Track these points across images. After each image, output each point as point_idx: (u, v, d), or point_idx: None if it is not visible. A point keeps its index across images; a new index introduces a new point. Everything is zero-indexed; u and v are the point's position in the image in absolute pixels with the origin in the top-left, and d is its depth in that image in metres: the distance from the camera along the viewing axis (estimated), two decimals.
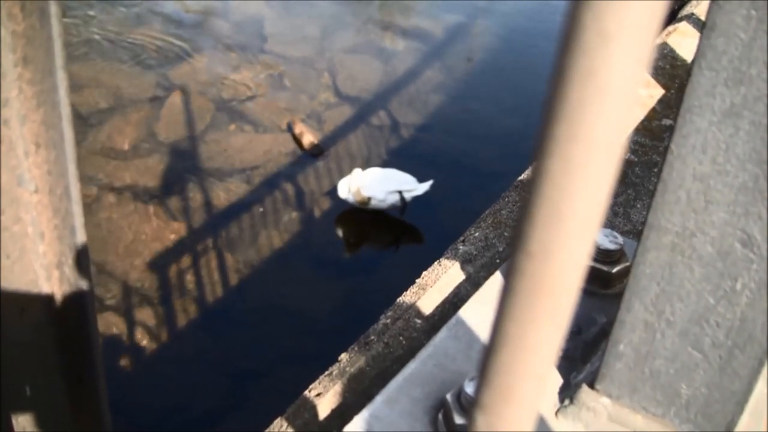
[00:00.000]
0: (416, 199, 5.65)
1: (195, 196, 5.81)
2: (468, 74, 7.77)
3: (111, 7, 8.27)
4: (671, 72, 3.81)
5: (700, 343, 1.23)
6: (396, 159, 6.30)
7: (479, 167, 6.32)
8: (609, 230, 1.32)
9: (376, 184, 5.56)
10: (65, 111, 0.65)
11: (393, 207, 5.67)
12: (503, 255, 1.74)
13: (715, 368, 1.26)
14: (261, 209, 5.74)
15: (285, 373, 4.54)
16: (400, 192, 5.58)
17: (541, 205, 0.41)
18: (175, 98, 6.87)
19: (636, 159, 2.29)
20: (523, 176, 2.27)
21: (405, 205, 5.66)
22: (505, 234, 1.84)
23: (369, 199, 5.53)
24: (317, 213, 5.78)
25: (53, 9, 0.61)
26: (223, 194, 5.85)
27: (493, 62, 7.99)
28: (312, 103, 6.97)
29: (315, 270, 5.33)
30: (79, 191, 0.68)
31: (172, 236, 5.44)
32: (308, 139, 6.35)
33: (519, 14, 9.02)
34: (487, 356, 0.46)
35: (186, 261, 5.29)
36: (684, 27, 3.73)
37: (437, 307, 1.61)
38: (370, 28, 8.47)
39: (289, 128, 6.53)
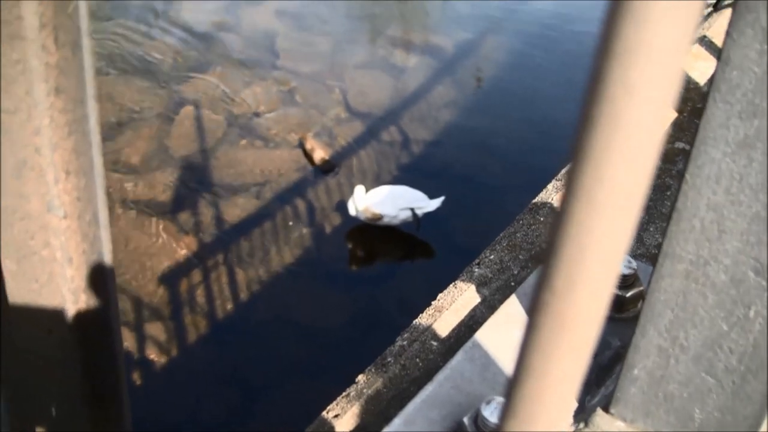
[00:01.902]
0: (427, 215, 5.66)
1: (206, 210, 5.83)
2: (478, 90, 7.79)
3: (124, 22, 8.33)
4: (684, 95, 3.81)
5: (714, 368, 1.23)
6: (407, 175, 6.32)
7: (490, 183, 6.33)
8: (627, 257, 1.33)
9: (388, 202, 5.57)
10: (95, 139, 0.66)
11: (405, 222, 5.68)
12: (518, 278, 1.75)
13: (728, 393, 1.26)
14: (290, 223, 5.75)
15: (295, 388, 4.54)
16: (412, 209, 5.60)
17: (566, 244, 0.42)
18: (187, 113, 6.91)
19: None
20: (537, 199, 2.28)
21: (419, 221, 5.67)
22: (520, 257, 1.85)
23: (381, 216, 5.55)
24: (328, 228, 5.79)
25: (85, 42, 0.62)
26: (234, 209, 5.87)
27: (503, 79, 8.00)
28: (323, 119, 7.00)
29: (325, 285, 5.34)
30: (108, 217, 0.69)
31: (183, 251, 5.46)
32: (319, 154, 6.37)
33: (529, 32, 9.04)
34: (512, 387, 0.47)
35: (196, 275, 5.31)
36: (696, 49, 3.75)
37: (453, 329, 1.62)
38: (381, 44, 8.50)
39: (301, 144, 6.56)
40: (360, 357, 4.76)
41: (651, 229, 1.98)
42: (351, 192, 5.86)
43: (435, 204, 5.65)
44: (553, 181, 2.39)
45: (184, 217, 5.76)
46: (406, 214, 5.62)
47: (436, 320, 1.63)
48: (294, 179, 6.24)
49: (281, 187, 6.15)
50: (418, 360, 1.53)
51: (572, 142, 0.39)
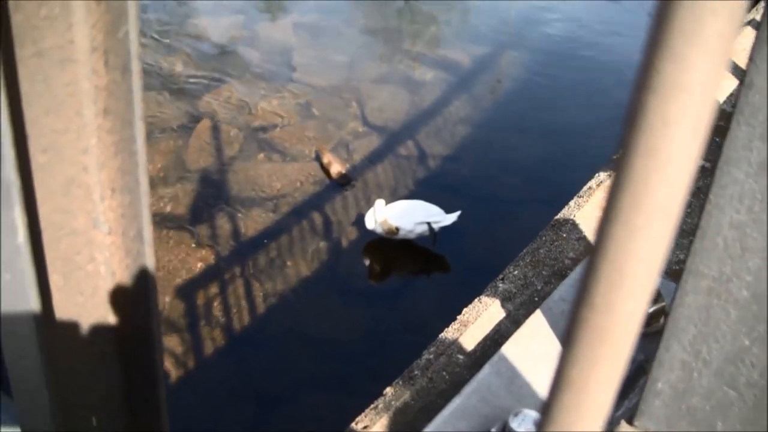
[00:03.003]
0: (444, 229, 5.68)
1: (223, 224, 5.86)
2: (495, 104, 7.81)
3: (142, 36, 8.40)
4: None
5: (736, 381, 1.24)
6: (423, 189, 6.34)
7: (506, 198, 6.34)
8: None
9: (405, 216, 5.60)
10: (141, 159, 0.69)
11: (421, 236, 5.70)
12: (542, 293, 1.77)
13: (750, 406, 1.27)
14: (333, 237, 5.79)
15: (311, 401, 4.55)
16: (428, 223, 5.62)
17: (605, 264, 0.44)
18: (204, 127, 6.96)
19: None
20: (559, 215, 2.30)
21: (435, 235, 5.69)
22: (543, 272, 1.87)
23: (397, 229, 5.57)
24: (344, 242, 5.81)
25: (135, 65, 0.65)
26: (251, 222, 5.90)
27: (519, 93, 8.02)
28: (340, 133, 7.03)
29: (342, 298, 5.36)
30: (152, 234, 0.72)
31: (200, 264, 5.49)
32: (336, 168, 6.40)
33: (545, 47, 9.07)
34: (551, 397, 0.49)
35: (213, 289, 5.33)
36: None
37: (479, 343, 1.64)
38: (398, 58, 8.54)
39: (317, 157, 6.59)
40: (377, 370, 4.77)
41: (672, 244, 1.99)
42: (367, 206, 5.88)
43: (451, 218, 5.66)
44: (575, 198, 2.40)
45: (201, 230, 5.79)
46: (422, 228, 5.64)
47: (461, 334, 1.65)
48: (311, 193, 6.27)
49: (298, 200, 6.18)
50: (444, 373, 1.55)
51: (612, 168, 0.41)
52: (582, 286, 0.44)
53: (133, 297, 0.75)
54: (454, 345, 1.63)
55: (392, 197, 6.09)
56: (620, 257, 0.43)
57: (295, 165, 6.55)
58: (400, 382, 1.58)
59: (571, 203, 2.37)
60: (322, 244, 5.77)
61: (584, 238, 2.10)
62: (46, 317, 0.72)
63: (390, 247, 5.76)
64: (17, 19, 0.58)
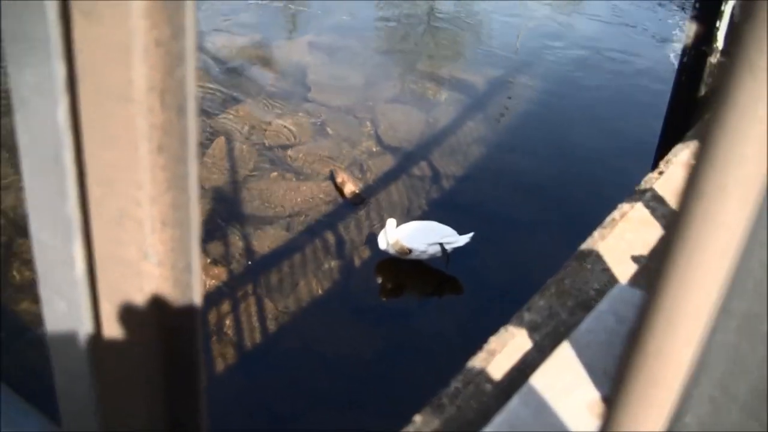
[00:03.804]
0: (456, 250, 5.69)
1: (236, 241, 5.89)
2: (508, 127, 7.84)
3: None
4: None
5: (762, 415, 1.25)
6: (436, 209, 6.35)
7: (519, 219, 6.35)
8: None
9: (418, 236, 5.62)
10: (193, 195, 0.71)
11: (434, 257, 5.72)
12: (567, 323, 1.78)
13: None
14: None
15: (322, 420, 4.56)
16: (441, 244, 5.63)
17: (659, 314, 0.46)
18: (219, 144, 6.99)
19: None
20: (583, 246, 2.31)
21: (448, 257, 5.70)
22: (569, 303, 1.88)
23: (410, 250, 5.59)
24: (357, 261, 5.83)
25: (190, 105, 0.67)
26: (264, 241, 5.92)
27: (533, 115, 8.05)
28: (354, 152, 7.06)
29: (354, 318, 5.37)
30: (200, 266, 0.74)
31: (213, 281, 5.51)
32: (350, 187, 6.42)
33: (559, 70, 9.10)
34: (625, 364, 0.50)
35: (225, 306, 5.35)
36: None
37: (506, 373, 1.66)
38: (412, 78, 8.59)
39: (331, 176, 6.62)
40: (388, 390, 4.78)
41: None
42: (381, 226, 5.90)
43: (464, 240, 5.68)
44: (599, 229, 2.42)
45: (214, 247, 5.81)
46: (435, 249, 5.65)
47: (489, 363, 1.66)
48: (324, 212, 6.29)
49: (311, 219, 6.20)
50: (473, 402, 1.56)
51: (667, 229, 0.44)
52: (635, 334, 0.46)
53: (179, 326, 0.77)
54: (482, 374, 1.65)
55: (405, 217, 6.11)
56: (673, 309, 0.45)
57: (309, 184, 6.58)
58: (429, 410, 1.60)
59: (595, 234, 2.38)
60: (335, 263, 5.78)
61: (608, 269, 2.12)
62: (97, 344, 0.74)
63: (402, 267, 5.77)
64: (81, 60, 0.61)
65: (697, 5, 4.76)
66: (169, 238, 0.72)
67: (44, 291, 0.72)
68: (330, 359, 4.99)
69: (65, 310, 0.70)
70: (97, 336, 0.73)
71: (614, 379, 0.51)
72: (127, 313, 0.75)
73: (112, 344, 0.75)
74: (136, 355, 0.77)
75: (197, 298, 0.75)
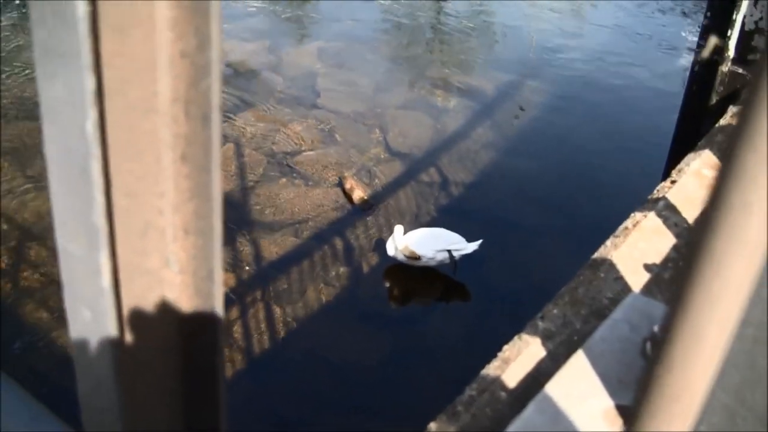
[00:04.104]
0: (465, 256, 5.70)
1: (244, 248, 5.90)
2: (517, 133, 7.84)
3: None
4: (724, 143, 3.81)
5: None
6: (445, 216, 6.36)
7: (527, 226, 6.35)
8: None
9: (426, 243, 5.62)
10: (216, 204, 0.72)
11: (442, 264, 5.72)
12: (581, 332, 1.79)
13: None
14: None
15: (330, 424, 4.56)
16: (449, 251, 5.64)
17: (683, 328, 0.47)
18: (228, 151, 7.01)
19: None
20: (596, 255, 2.32)
21: (456, 263, 5.70)
22: (582, 312, 1.88)
23: (419, 256, 5.60)
24: (365, 268, 5.84)
25: (215, 116, 0.68)
26: (272, 246, 5.94)
27: (542, 122, 8.06)
28: (362, 158, 7.07)
29: (362, 323, 5.37)
30: (222, 274, 0.75)
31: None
32: (358, 194, 6.43)
33: (568, 76, 9.11)
34: (648, 376, 0.51)
35: (234, 312, 5.36)
36: None
37: (520, 381, 1.66)
38: (421, 84, 8.60)
39: (340, 183, 6.63)
40: (395, 396, 4.78)
41: None
42: (389, 232, 5.91)
43: (472, 247, 5.68)
44: (611, 238, 2.42)
45: (223, 253, 5.81)
46: (443, 256, 5.66)
47: (503, 371, 1.67)
48: (333, 218, 6.30)
49: (320, 225, 6.21)
50: (487, 410, 1.57)
51: (690, 247, 0.44)
52: (658, 348, 0.47)
53: (200, 334, 0.78)
54: (497, 382, 1.65)
55: (414, 223, 6.11)
56: (698, 323, 0.45)
57: (318, 190, 6.59)
58: (444, 418, 1.60)
59: (608, 243, 2.39)
60: (343, 269, 5.79)
61: (621, 278, 2.12)
62: (120, 352, 0.75)
63: (410, 273, 5.78)
64: (108, 72, 0.62)
65: (709, 14, 4.76)
66: (192, 246, 0.73)
67: (69, 300, 0.73)
68: (337, 365, 4.99)
69: (90, 318, 0.71)
70: (120, 344, 0.74)
71: (636, 391, 0.52)
72: (149, 321, 0.76)
73: (135, 352, 0.75)
74: (158, 362, 0.78)
75: (219, 307, 0.76)
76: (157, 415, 0.78)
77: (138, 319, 0.74)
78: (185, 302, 0.75)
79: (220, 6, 0.66)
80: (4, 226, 5.88)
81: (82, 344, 0.73)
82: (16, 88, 7.70)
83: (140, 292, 0.73)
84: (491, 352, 2.12)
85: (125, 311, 0.73)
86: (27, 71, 8.01)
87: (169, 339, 0.76)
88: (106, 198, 0.65)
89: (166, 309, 0.75)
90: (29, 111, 7.33)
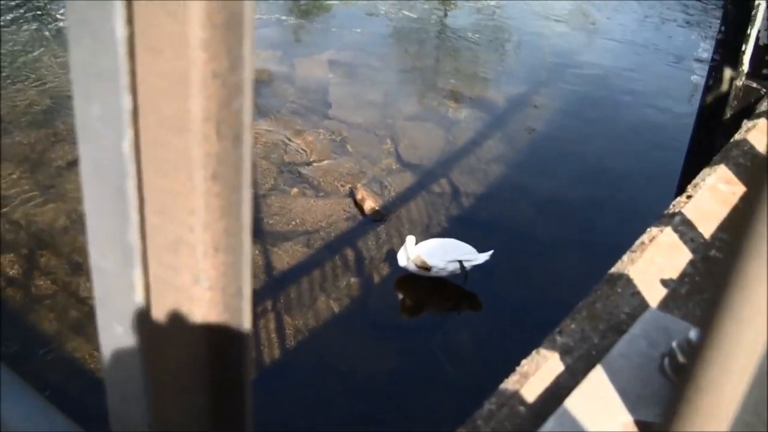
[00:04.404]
0: (476, 267, 5.70)
1: (255, 258, 5.91)
2: (529, 144, 7.85)
3: None
4: (752, 170, 3.79)
5: None
6: (456, 227, 6.36)
7: (538, 237, 6.36)
8: None
9: (437, 253, 5.63)
10: (246, 222, 0.73)
11: (453, 274, 5.73)
12: (599, 347, 1.79)
13: None
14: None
15: None
16: (460, 261, 5.64)
17: (714, 350, 0.47)
18: None
19: (720, 256, 2.34)
20: (613, 270, 2.33)
21: (467, 274, 5.71)
22: (600, 327, 1.89)
23: (430, 267, 5.60)
24: (376, 278, 5.84)
25: (247, 136, 0.69)
26: (283, 257, 5.95)
27: (553, 133, 8.06)
28: (374, 169, 7.09)
29: (373, 334, 5.37)
30: (251, 291, 0.75)
31: None
32: (369, 204, 6.45)
33: (580, 88, 9.11)
34: (678, 397, 0.51)
35: None
36: (762, 124, 3.80)
37: (539, 395, 1.66)
38: (432, 96, 8.62)
39: (351, 193, 6.64)
40: (407, 407, 4.78)
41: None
42: (400, 242, 5.91)
43: (483, 257, 5.69)
44: (628, 253, 2.43)
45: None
46: (454, 266, 5.66)
47: (522, 386, 1.67)
48: (344, 228, 6.31)
49: (331, 235, 6.22)
50: (507, 424, 1.57)
51: (727, 268, 0.45)
52: (689, 369, 0.48)
53: (228, 349, 0.78)
54: (516, 396, 1.65)
55: (425, 234, 6.12)
56: (726, 346, 0.46)
57: (329, 200, 6.61)
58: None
59: (624, 258, 2.39)
60: (354, 280, 5.79)
61: (638, 293, 2.12)
62: (150, 366, 0.75)
63: (421, 283, 5.78)
64: (143, 92, 0.63)
65: (723, 28, 4.76)
66: (221, 264, 0.74)
67: (101, 315, 0.74)
68: (348, 375, 5.00)
69: (121, 333, 0.72)
70: (149, 358, 0.75)
71: (663, 411, 0.52)
72: (178, 336, 0.77)
73: (164, 366, 0.76)
74: (186, 376, 0.78)
75: (247, 323, 0.77)
76: (185, 428, 0.79)
77: (168, 333, 0.74)
78: (214, 318, 0.76)
79: (252, 27, 0.67)
80: (11, 236, 5.91)
81: (113, 358, 0.74)
82: (26, 97, 7.74)
83: (170, 307, 0.74)
84: (502, 362, 2.13)
85: (155, 326, 0.74)
86: (38, 81, 8.06)
87: (197, 353, 0.77)
88: (139, 215, 0.66)
89: (195, 324, 0.76)
90: (39, 119, 7.38)
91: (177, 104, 0.65)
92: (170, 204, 0.69)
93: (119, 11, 0.60)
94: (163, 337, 0.74)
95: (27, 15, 9.61)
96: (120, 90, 0.60)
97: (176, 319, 0.74)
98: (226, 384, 0.79)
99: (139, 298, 0.68)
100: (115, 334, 0.71)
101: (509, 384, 1.70)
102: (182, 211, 0.69)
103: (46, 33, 9.19)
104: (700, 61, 9.80)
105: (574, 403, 1.33)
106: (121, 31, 0.60)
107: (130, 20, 0.61)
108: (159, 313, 0.73)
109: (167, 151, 0.67)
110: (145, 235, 0.68)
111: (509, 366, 2.09)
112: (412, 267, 5.63)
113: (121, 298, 0.70)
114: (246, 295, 0.76)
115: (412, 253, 5.58)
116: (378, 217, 6.41)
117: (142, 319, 0.69)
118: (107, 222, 0.67)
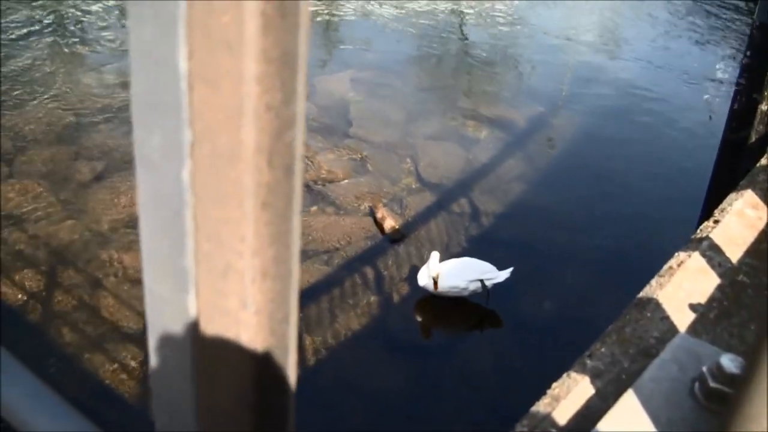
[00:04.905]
0: (496, 285, 5.69)
1: None
2: (549, 163, 7.85)
3: None
4: None
5: None
6: (476, 246, 6.36)
7: (558, 255, 6.35)
8: (734, 355, 1.37)
9: (458, 274, 5.63)
10: (295, 250, 0.74)
11: (474, 293, 5.72)
12: (629, 371, 1.80)
13: None
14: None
15: None
16: (481, 280, 5.64)
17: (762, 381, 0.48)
18: None
19: (748, 281, 2.35)
20: (642, 294, 2.33)
21: (489, 293, 5.70)
22: (630, 351, 1.90)
23: (447, 290, 5.60)
24: (396, 297, 5.84)
25: (298, 167, 0.71)
26: (303, 275, 5.96)
27: (573, 153, 8.06)
28: (394, 188, 7.10)
29: (393, 353, 5.37)
30: (298, 317, 0.77)
31: None
32: (389, 223, 6.45)
33: (600, 108, 9.11)
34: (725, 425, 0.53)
35: None
36: None
37: (570, 419, 1.67)
38: (452, 115, 8.64)
39: (371, 212, 6.65)
40: (427, 426, 4.77)
41: (752, 327, 2.02)
42: (420, 261, 5.92)
43: (504, 275, 5.68)
44: (656, 278, 2.43)
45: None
46: (475, 286, 5.66)
47: (554, 409, 1.68)
48: (363, 247, 6.32)
49: (351, 254, 6.24)
50: None
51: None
52: (734, 398, 0.49)
53: (273, 374, 0.80)
54: (547, 419, 1.66)
55: (444, 253, 6.12)
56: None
57: (349, 219, 6.62)
58: None
59: (653, 282, 2.40)
60: (374, 298, 5.80)
61: (667, 318, 2.13)
62: (198, 389, 0.77)
63: (442, 303, 5.78)
64: (199, 124, 0.65)
65: (749, 53, 4.76)
66: (269, 290, 0.76)
67: (153, 338, 0.75)
68: (368, 394, 4.99)
69: (170, 355, 0.74)
70: (197, 381, 0.77)
71: None
72: (225, 360, 0.79)
73: (211, 389, 0.78)
74: (232, 399, 0.80)
75: (293, 349, 0.78)
76: None
77: (215, 357, 0.76)
78: (260, 342, 0.77)
79: (306, 62, 0.69)
80: (31, 251, 5.95)
81: (162, 381, 0.75)
82: (43, 114, 7.80)
83: (218, 331, 0.76)
84: (525, 381, 2.13)
85: (204, 349, 0.75)
86: (55, 97, 8.13)
87: (243, 378, 0.78)
88: (194, 243, 0.68)
89: (241, 348, 0.77)
90: (59, 135, 7.44)
91: (230, 135, 0.67)
92: (221, 231, 0.71)
93: (183, 46, 0.62)
94: (210, 360, 0.76)
95: (44, 31, 9.71)
96: (181, 123, 0.62)
97: (224, 342, 0.76)
98: (270, 408, 0.80)
99: (190, 321, 0.70)
100: (164, 357, 0.73)
101: (541, 407, 1.70)
102: (233, 239, 0.71)
103: (65, 49, 9.28)
104: (713, 80, 9.79)
105: (606, 427, 1.34)
106: (183, 65, 0.62)
107: (191, 55, 0.63)
108: (207, 337, 0.74)
109: (220, 181, 0.69)
110: (197, 261, 0.70)
111: (529, 386, 2.09)
112: (431, 287, 5.62)
113: (173, 322, 0.71)
114: (292, 321, 0.78)
115: (435, 269, 5.56)
116: (398, 236, 6.41)
117: (192, 342, 0.71)
118: (163, 248, 0.69)
